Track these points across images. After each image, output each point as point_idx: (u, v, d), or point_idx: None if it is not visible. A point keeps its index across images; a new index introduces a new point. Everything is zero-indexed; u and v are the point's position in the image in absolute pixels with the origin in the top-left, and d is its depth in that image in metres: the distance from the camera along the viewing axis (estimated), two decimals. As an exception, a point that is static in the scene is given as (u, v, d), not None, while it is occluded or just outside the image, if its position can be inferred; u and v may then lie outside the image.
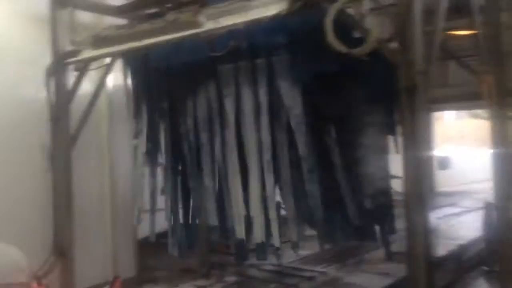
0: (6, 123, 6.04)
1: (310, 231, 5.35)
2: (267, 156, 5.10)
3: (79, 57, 5.92)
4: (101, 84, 6.42)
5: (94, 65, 6.25)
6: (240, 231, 5.35)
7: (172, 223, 5.90)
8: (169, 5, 5.43)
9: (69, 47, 6.03)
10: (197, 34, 4.93)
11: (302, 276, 7.16)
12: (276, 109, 5.09)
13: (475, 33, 5.34)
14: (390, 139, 5.51)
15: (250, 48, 5.02)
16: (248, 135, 5.19)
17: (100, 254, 6.99)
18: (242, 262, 6.86)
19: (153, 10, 5.79)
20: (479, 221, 8.15)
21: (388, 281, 6.63)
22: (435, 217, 10.32)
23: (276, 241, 5.21)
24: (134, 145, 6.13)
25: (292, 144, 5.04)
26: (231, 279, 7.23)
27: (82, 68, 6.06)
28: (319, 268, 7.47)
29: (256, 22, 4.57)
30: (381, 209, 5.34)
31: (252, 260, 6.06)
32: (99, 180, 7.06)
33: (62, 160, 6.05)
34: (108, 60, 6.25)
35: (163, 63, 5.59)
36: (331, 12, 4.01)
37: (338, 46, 4.00)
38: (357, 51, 3.98)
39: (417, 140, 3.90)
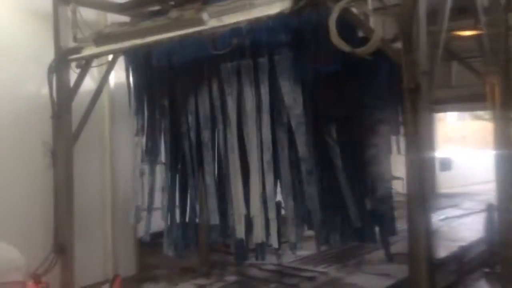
0: (8, 120, 6.03)
1: (310, 232, 5.33)
2: (267, 156, 5.07)
3: (82, 54, 5.92)
4: (103, 81, 6.41)
5: (96, 62, 6.25)
6: (240, 231, 5.33)
7: (168, 222, 5.87)
8: (172, 3, 5.42)
9: (71, 44, 6.03)
10: (199, 32, 4.92)
11: (303, 276, 7.14)
12: (277, 108, 5.07)
13: (479, 34, 5.32)
14: (392, 139, 5.50)
15: (252, 46, 5.00)
16: (250, 134, 5.17)
17: (100, 252, 6.98)
18: (241, 261, 6.86)
19: (155, 8, 5.79)
20: (480, 223, 8.13)
21: (389, 282, 6.60)
22: (436, 218, 10.34)
23: (274, 241, 5.18)
24: (135, 142, 6.11)
25: (293, 144, 5.02)
26: (231, 278, 7.22)
27: (84, 66, 6.06)
28: (319, 268, 7.45)
29: (259, 20, 4.56)
30: (381, 210, 5.32)
31: (252, 259, 6.05)
32: (100, 178, 7.06)
33: (64, 158, 6.04)
34: (110, 57, 6.24)
35: (165, 61, 5.57)
36: (335, 11, 3.99)
37: (342, 45, 3.98)
38: (360, 50, 3.96)
39: (420, 141, 3.88)
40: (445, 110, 12.93)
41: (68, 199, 6.05)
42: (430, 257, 3.88)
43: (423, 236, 3.85)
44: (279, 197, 5.24)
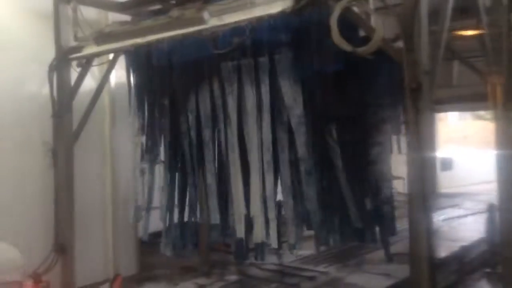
0: (8, 119, 6.01)
1: (310, 231, 5.32)
2: (268, 156, 5.06)
3: (82, 53, 5.91)
4: (104, 80, 6.40)
5: (97, 61, 6.24)
6: (240, 230, 5.33)
7: (167, 221, 5.86)
8: (173, 2, 5.42)
9: (72, 43, 6.02)
10: (200, 31, 4.91)
11: (303, 276, 7.14)
12: (277, 108, 5.06)
13: (481, 33, 5.31)
14: (393, 139, 5.49)
15: (253, 45, 4.99)
16: (250, 133, 5.16)
17: (101, 251, 6.97)
18: (241, 261, 6.85)
19: (156, 7, 5.78)
20: (481, 223, 8.12)
21: (389, 282, 6.60)
22: (437, 218, 10.32)
23: (273, 241, 5.17)
24: (135, 142, 6.10)
25: (293, 144, 5.01)
26: (232, 277, 7.21)
27: (85, 65, 6.05)
28: (320, 268, 7.44)
29: (260, 19, 4.55)
30: (382, 210, 5.31)
31: (252, 259, 6.04)
32: (101, 177, 7.04)
33: (64, 157, 6.04)
34: (111, 56, 6.23)
35: (165, 60, 5.57)
36: (337, 10, 3.98)
37: (343, 44, 3.97)
38: (362, 50, 3.96)
39: (421, 140, 3.88)
40: (446, 110, 12.92)
41: (69, 198, 6.05)
42: (431, 257, 3.87)
43: (424, 236, 3.85)
44: (280, 197, 5.24)
